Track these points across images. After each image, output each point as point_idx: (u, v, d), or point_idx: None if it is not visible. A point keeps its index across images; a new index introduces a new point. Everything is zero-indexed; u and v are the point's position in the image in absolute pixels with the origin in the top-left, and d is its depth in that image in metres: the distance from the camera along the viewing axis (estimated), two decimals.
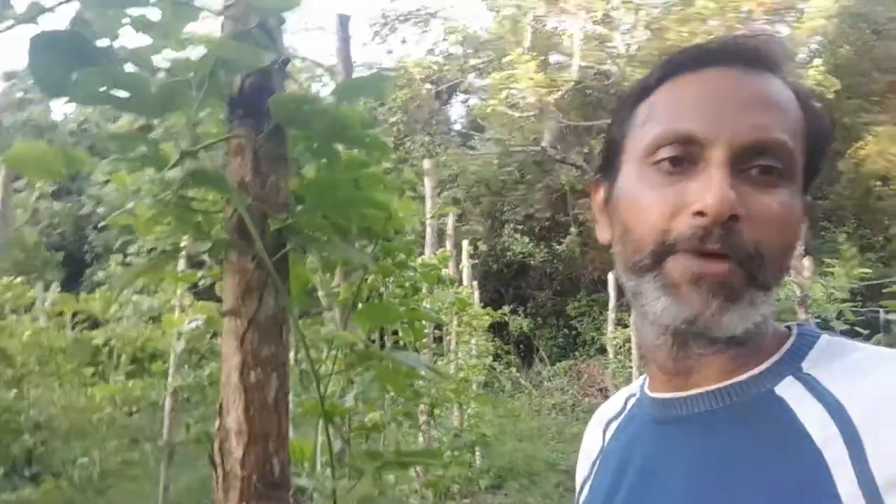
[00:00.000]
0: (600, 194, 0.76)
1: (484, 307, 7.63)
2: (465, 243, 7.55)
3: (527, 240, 16.06)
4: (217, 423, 0.95)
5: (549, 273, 16.60)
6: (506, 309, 10.09)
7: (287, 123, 0.95)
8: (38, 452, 6.19)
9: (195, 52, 0.92)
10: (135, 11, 0.85)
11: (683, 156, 0.63)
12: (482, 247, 13.09)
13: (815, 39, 15.27)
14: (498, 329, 10.89)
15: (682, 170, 0.63)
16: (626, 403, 0.82)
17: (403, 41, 17.55)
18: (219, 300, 1.00)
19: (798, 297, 5.16)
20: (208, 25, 0.97)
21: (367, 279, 1.81)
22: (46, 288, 7.89)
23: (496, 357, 9.69)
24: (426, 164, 5.78)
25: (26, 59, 0.77)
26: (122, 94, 0.78)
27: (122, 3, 0.83)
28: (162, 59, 0.90)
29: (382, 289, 2.03)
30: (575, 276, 16.24)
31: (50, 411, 6.50)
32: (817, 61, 12.79)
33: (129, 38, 0.89)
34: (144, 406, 6.93)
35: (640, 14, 13.90)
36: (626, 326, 9.77)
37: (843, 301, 5.33)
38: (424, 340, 4.06)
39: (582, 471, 0.85)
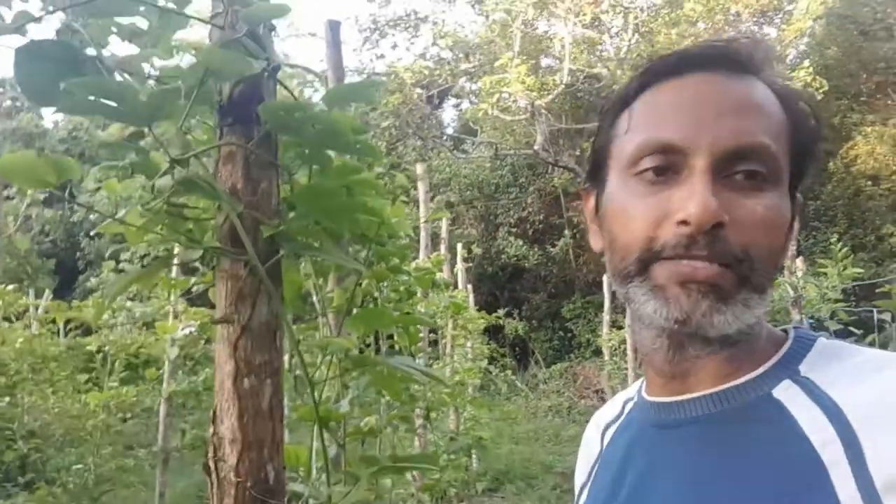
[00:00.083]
0: (591, 203, 0.76)
1: (479, 310, 7.63)
2: (459, 247, 7.56)
3: (521, 242, 16.07)
4: (211, 430, 0.95)
5: (544, 276, 16.62)
6: (501, 312, 10.07)
7: (278, 130, 0.95)
8: (31, 460, 6.15)
9: (185, 60, 0.92)
10: (123, 20, 0.84)
11: (666, 165, 0.64)
12: (476, 250, 13.10)
13: (802, 41, 15.38)
14: (493, 332, 10.88)
15: (666, 178, 0.64)
16: (623, 407, 0.82)
17: (394, 46, 17.56)
18: (212, 306, 1.00)
19: (791, 298, 5.17)
20: (198, 33, 0.97)
21: (361, 284, 1.81)
22: (38, 295, 7.85)
23: (492, 360, 9.68)
24: (419, 168, 5.78)
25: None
26: (111, 103, 0.78)
27: (111, 12, 0.83)
28: (151, 68, 0.90)
29: (377, 293, 2.02)
30: (569, 278, 16.26)
31: (44, 418, 6.47)
32: (805, 63, 12.86)
33: (119, 47, 0.88)
34: (139, 412, 6.90)
35: (629, 17, 13.96)
36: (620, 328, 9.78)
37: (837, 301, 5.34)
38: (420, 344, 4.06)
39: (580, 475, 0.85)
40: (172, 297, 4.60)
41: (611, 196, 0.69)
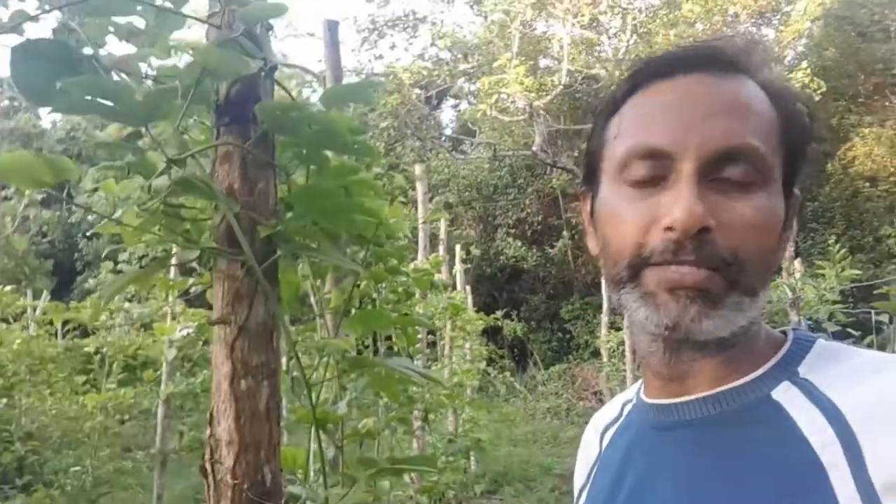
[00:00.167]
0: (587, 206, 0.76)
1: (477, 311, 7.62)
2: (457, 248, 7.56)
3: (519, 243, 16.07)
4: (208, 431, 0.94)
5: (542, 277, 16.62)
6: (499, 313, 10.07)
7: (275, 130, 0.95)
8: (29, 462, 6.14)
9: (183, 60, 0.91)
10: (120, 19, 0.84)
11: (654, 169, 0.63)
12: (475, 251, 13.11)
13: (801, 42, 15.40)
14: (492, 333, 10.88)
15: (654, 183, 0.64)
16: (622, 409, 0.82)
17: (393, 47, 17.59)
18: (211, 307, 0.99)
19: (790, 299, 5.17)
20: (196, 33, 0.97)
21: (359, 285, 1.81)
22: (36, 296, 7.84)
23: (490, 361, 9.68)
24: (417, 168, 5.78)
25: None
26: (107, 102, 0.77)
27: (108, 11, 0.82)
28: (148, 68, 0.90)
29: (375, 294, 2.02)
30: (568, 279, 16.27)
31: (41, 420, 6.45)
32: (803, 64, 12.88)
33: (116, 47, 0.88)
34: (137, 414, 6.89)
35: (627, 18, 13.97)
36: (619, 329, 9.78)
37: (835, 303, 5.35)
38: (418, 346, 4.06)
39: (580, 477, 0.85)
40: (170, 298, 4.59)
41: (603, 201, 0.69)
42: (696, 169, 0.61)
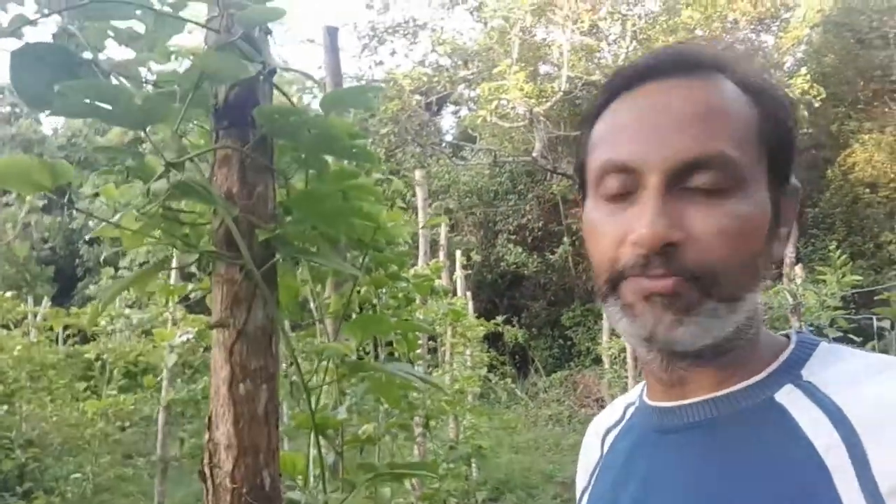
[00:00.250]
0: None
1: (478, 318, 7.61)
2: (458, 254, 7.55)
3: (520, 250, 16.06)
4: (207, 435, 0.94)
5: (543, 283, 16.60)
6: (500, 319, 10.05)
7: (274, 134, 0.95)
8: (30, 469, 6.13)
9: (182, 65, 0.92)
10: (120, 24, 0.84)
11: (624, 184, 0.64)
12: (475, 257, 13.11)
13: (800, 49, 15.43)
14: (493, 340, 10.87)
15: (626, 197, 0.64)
16: (624, 412, 0.82)
17: (393, 53, 17.65)
18: (210, 313, 0.99)
19: (791, 305, 5.17)
20: (196, 38, 0.97)
21: (359, 290, 1.81)
22: (37, 302, 7.84)
23: (491, 368, 9.65)
24: (417, 174, 5.77)
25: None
26: (106, 106, 0.78)
27: (107, 15, 0.83)
28: (147, 72, 0.90)
29: (375, 300, 2.02)
30: (569, 285, 16.25)
31: (42, 427, 6.45)
32: (803, 70, 12.89)
33: (116, 51, 0.88)
34: (137, 421, 6.88)
35: (626, 25, 14.01)
36: (620, 336, 9.73)
37: (836, 308, 5.34)
38: (418, 352, 4.05)
39: (581, 480, 0.85)
40: (170, 304, 4.59)
41: (586, 215, 0.70)
42: (661, 182, 0.61)
